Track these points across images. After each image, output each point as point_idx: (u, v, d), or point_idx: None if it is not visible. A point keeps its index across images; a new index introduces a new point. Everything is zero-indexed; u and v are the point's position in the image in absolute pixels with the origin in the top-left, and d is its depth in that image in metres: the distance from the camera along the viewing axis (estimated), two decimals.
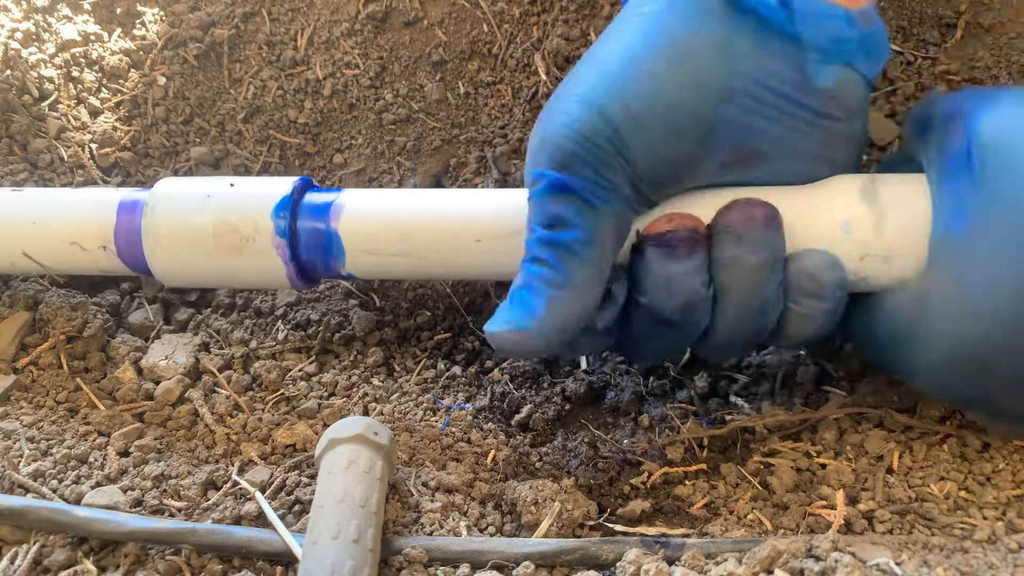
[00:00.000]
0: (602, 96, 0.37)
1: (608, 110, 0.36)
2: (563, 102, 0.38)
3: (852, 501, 0.39)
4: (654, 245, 0.38)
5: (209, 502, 0.40)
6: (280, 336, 0.54)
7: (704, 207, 0.39)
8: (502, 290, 0.56)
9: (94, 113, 0.62)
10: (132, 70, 0.63)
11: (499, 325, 0.37)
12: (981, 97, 0.38)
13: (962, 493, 0.39)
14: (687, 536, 0.38)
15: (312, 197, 0.46)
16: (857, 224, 0.38)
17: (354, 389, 0.50)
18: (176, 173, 0.62)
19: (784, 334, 0.39)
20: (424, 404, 0.49)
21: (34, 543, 0.37)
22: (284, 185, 0.45)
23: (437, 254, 0.44)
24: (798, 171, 0.39)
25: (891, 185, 0.39)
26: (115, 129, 0.62)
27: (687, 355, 0.53)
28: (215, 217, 0.45)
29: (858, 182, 0.39)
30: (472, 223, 0.43)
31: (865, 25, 0.38)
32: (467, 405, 0.50)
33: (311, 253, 0.45)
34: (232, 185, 0.46)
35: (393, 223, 0.44)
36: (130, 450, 0.44)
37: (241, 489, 0.41)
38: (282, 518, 0.38)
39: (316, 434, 0.45)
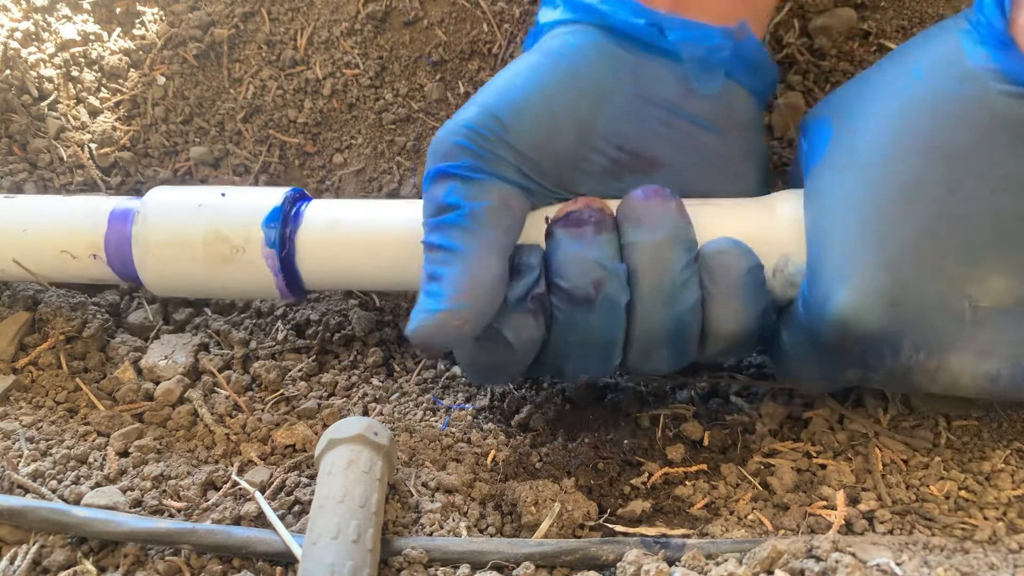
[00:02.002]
0: (488, 98, 0.39)
1: (491, 106, 0.39)
2: (456, 113, 0.40)
3: (852, 501, 0.39)
4: (563, 225, 0.39)
5: (209, 502, 0.40)
6: (280, 336, 0.54)
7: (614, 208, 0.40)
8: None
9: (94, 113, 0.62)
10: (132, 70, 0.63)
11: (414, 324, 0.36)
12: None
13: (962, 493, 0.39)
14: (687, 536, 0.38)
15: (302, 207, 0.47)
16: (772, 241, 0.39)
17: (354, 389, 0.50)
18: (176, 173, 0.62)
19: (712, 333, 0.38)
20: (424, 404, 0.49)
21: (34, 543, 0.37)
22: (275, 196, 0.46)
23: (390, 266, 0.45)
24: (702, 184, 0.41)
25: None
26: (115, 129, 0.62)
27: None
28: (206, 227, 0.45)
29: (788, 205, 0.40)
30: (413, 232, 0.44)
31: (739, 37, 0.40)
32: (467, 405, 0.50)
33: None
34: (224, 195, 0.46)
35: (343, 234, 0.45)
36: (130, 450, 0.43)
37: (241, 489, 0.41)
38: (282, 518, 0.38)
39: (316, 434, 0.45)
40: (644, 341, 0.39)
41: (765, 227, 0.39)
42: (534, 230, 0.40)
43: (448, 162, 0.38)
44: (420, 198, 0.59)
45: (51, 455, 0.42)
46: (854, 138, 0.38)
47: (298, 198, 0.47)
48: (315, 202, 0.47)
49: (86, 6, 0.64)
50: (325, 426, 0.45)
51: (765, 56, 0.42)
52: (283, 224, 0.45)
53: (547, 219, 0.40)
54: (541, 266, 0.38)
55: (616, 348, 0.39)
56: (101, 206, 0.48)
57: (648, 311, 0.38)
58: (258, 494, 0.39)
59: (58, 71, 0.61)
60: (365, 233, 0.45)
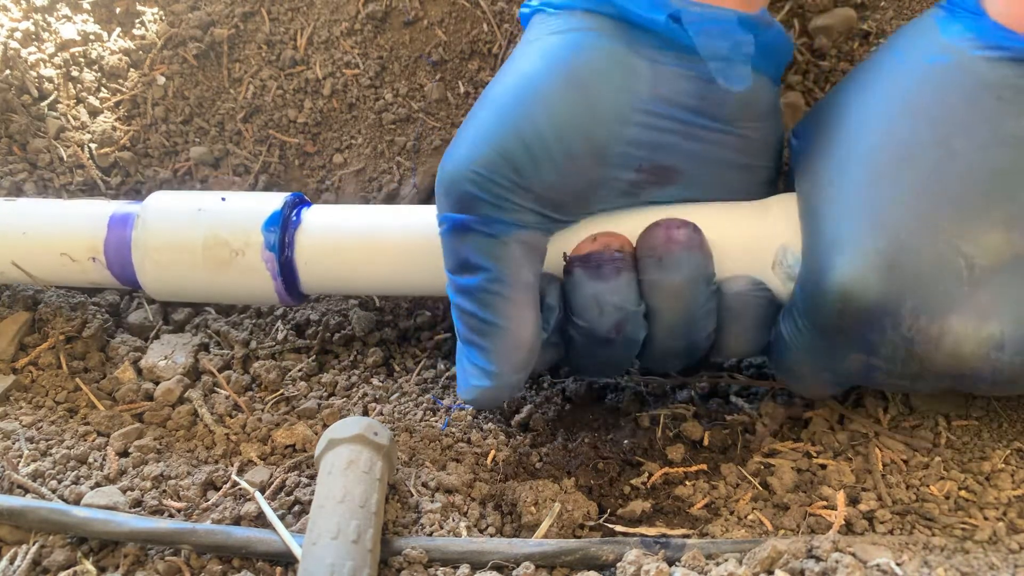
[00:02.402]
0: (496, 130, 0.37)
1: (502, 144, 0.36)
2: (460, 141, 0.38)
3: (853, 501, 0.39)
4: (581, 266, 0.38)
5: (209, 502, 0.40)
6: (280, 336, 0.54)
7: (631, 224, 0.40)
8: None
9: (93, 113, 0.62)
10: (131, 70, 0.63)
11: (468, 393, 0.39)
12: None
13: (962, 493, 0.39)
14: (687, 536, 0.38)
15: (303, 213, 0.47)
16: (786, 246, 0.39)
17: (354, 389, 0.50)
18: (176, 173, 0.62)
19: (723, 350, 0.40)
20: (424, 404, 0.49)
21: (33, 543, 0.37)
22: (276, 200, 0.46)
23: (386, 272, 0.45)
24: (717, 182, 0.40)
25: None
26: (115, 129, 0.62)
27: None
28: (206, 231, 0.45)
29: (783, 203, 0.40)
30: (420, 239, 0.44)
31: (762, 27, 0.39)
32: (467, 405, 0.50)
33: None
34: (224, 199, 0.46)
35: (342, 239, 0.45)
36: (129, 450, 0.43)
37: (241, 489, 0.41)
38: (282, 518, 0.38)
39: (316, 434, 0.45)
40: (657, 359, 0.41)
41: (762, 221, 0.40)
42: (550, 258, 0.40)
43: (464, 213, 0.37)
44: (420, 200, 0.59)
45: (51, 455, 0.42)
46: (841, 117, 0.38)
47: (298, 203, 0.47)
48: (315, 207, 0.47)
49: (86, 6, 0.63)
50: (325, 426, 0.45)
51: (787, 40, 0.41)
52: (283, 228, 0.45)
53: (565, 255, 0.39)
54: (560, 304, 0.39)
55: (630, 364, 0.41)
56: (101, 210, 0.48)
57: (665, 342, 0.39)
58: (258, 494, 0.39)
59: (58, 71, 0.61)
60: (364, 238, 0.45)
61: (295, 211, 0.46)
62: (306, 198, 0.48)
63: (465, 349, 0.39)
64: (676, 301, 0.38)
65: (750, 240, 0.39)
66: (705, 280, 0.38)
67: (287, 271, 0.45)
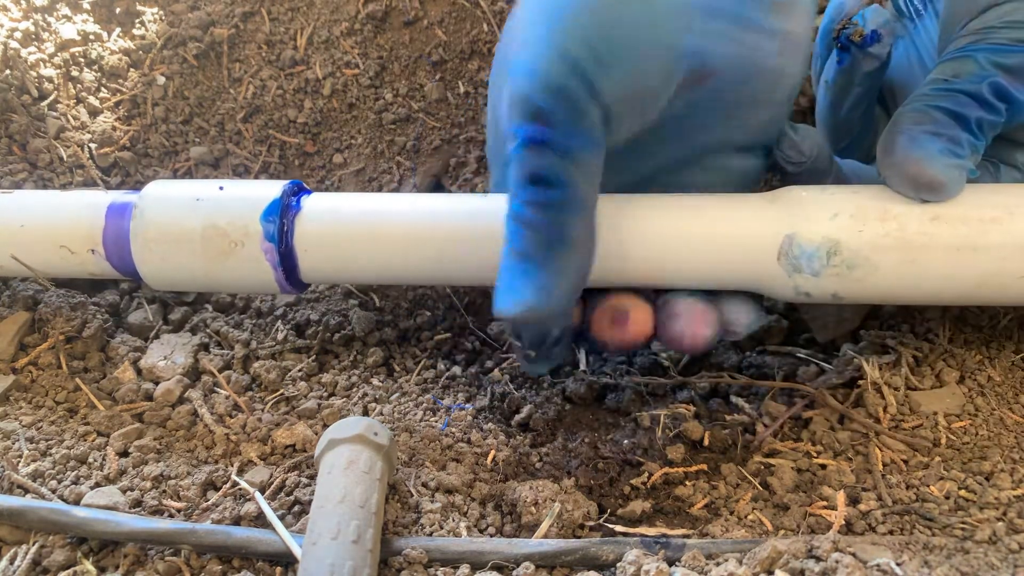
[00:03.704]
0: (565, 39, 0.36)
1: (573, 54, 0.35)
2: (526, 49, 0.37)
3: (853, 501, 0.39)
4: (606, 324, 0.42)
5: (208, 502, 0.40)
6: (280, 336, 0.54)
7: (636, 215, 0.41)
8: None
9: (93, 113, 0.62)
10: (131, 70, 0.63)
11: (513, 305, 0.36)
12: None
13: (962, 493, 0.39)
14: (687, 536, 0.38)
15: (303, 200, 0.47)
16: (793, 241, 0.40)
17: (354, 389, 0.50)
18: (176, 173, 0.62)
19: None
20: (424, 404, 0.49)
21: (33, 543, 0.37)
22: (273, 189, 0.45)
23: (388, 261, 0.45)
24: (748, 90, 0.40)
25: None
26: (114, 129, 0.62)
27: (687, 356, 0.53)
28: (204, 221, 0.45)
29: (788, 195, 0.41)
30: (429, 226, 0.44)
31: None
32: (467, 405, 0.50)
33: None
34: (222, 188, 0.46)
35: (342, 228, 0.45)
36: (129, 450, 0.43)
37: (240, 489, 0.41)
38: (281, 518, 0.38)
39: (316, 434, 0.45)
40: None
41: (768, 213, 0.40)
42: None
43: (541, 124, 0.36)
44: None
45: (51, 455, 0.42)
46: None
47: (296, 191, 0.47)
48: (314, 195, 0.47)
49: (86, 6, 0.64)
50: (325, 426, 0.45)
51: None
52: (281, 217, 0.45)
53: (583, 315, 0.42)
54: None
55: None
56: (99, 200, 0.48)
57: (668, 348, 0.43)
58: (258, 494, 0.39)
59: (58, 71, 0.61)
60: (364, 226, 0.45)
61: (295, 199, 0.46)
62: (305, 186, 0.48)
63: (520, 264, 0.36)
64: (689, 350, 0.43)
65: (756, 231, 0.39)
66: (715, 337, 0.42)
67: (287, 259, 0.45)
